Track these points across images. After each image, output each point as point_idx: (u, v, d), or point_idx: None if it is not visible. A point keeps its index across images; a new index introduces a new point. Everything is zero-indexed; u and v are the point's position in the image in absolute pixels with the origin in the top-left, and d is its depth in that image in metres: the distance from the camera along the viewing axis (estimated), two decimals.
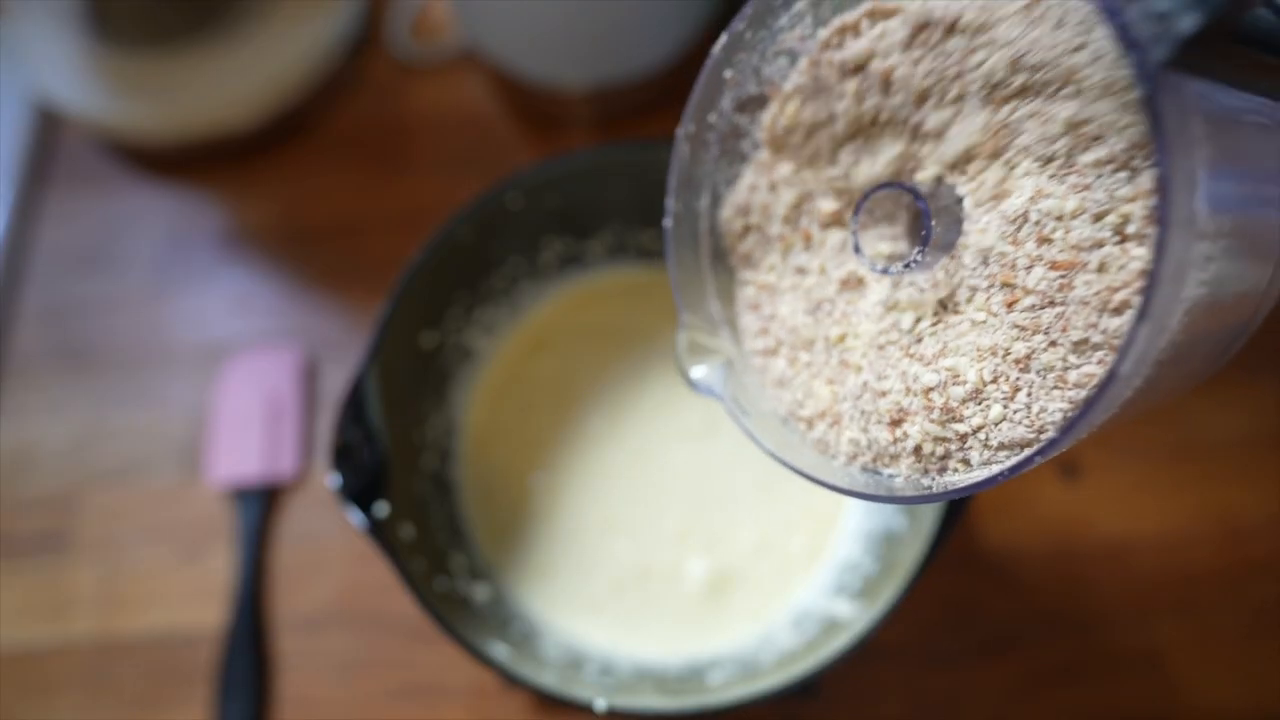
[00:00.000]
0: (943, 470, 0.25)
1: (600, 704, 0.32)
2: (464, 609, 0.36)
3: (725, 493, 0.41)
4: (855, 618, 0.35)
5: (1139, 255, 0.21)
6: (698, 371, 0.31)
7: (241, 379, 0.48)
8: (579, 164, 0.41)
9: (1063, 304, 0.22)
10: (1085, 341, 0.22)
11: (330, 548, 0.45)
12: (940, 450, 0.25)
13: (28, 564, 0.45)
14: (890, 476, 0.26)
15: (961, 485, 0.24)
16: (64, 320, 0.51)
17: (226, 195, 0.55)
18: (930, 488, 0.25)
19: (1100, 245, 0.22)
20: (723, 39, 0.28)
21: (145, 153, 0.56)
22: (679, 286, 0.31)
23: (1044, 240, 0.23)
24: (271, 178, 0.55)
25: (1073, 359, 0.22)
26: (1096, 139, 0.22)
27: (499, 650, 0.34)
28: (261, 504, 0.45)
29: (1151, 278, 0.19)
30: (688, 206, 0.31)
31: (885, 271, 0.26)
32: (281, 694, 0.42)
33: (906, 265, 0.25)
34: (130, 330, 0.51)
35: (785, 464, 0.28)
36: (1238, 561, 0.43)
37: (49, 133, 0.57)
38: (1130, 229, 0.21)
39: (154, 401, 0.49)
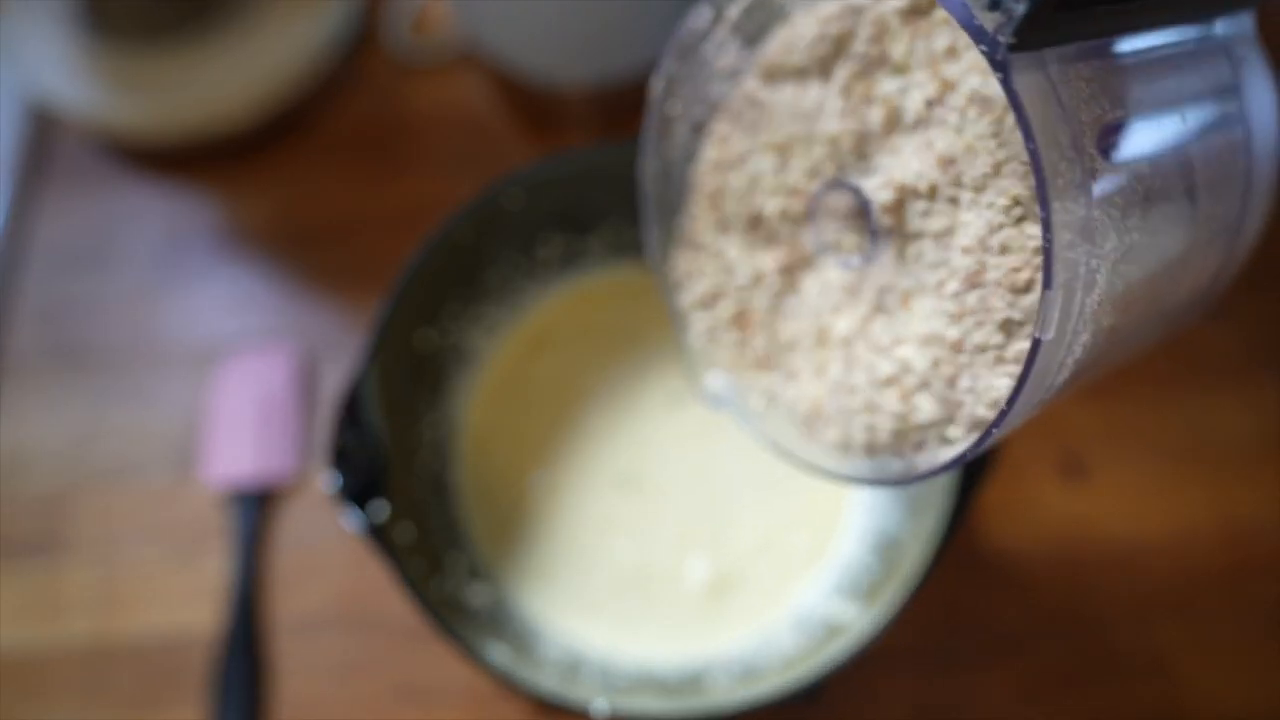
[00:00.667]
0: (919, 449, 0.26)
1: (600, 706, 0.32)
2: (462, 611, 0.36)
3: (726, 493, 0.41)
4: (857, 620, 0.34)
5: (1033, 234, 0.22)
6: (714, 382, 0.32)
7: (238, 379, 0.48)
8: (579, 162, 0.40)
9: (982, 286, 0.23)
10: (1010, 321, 0.23)
11: (327, 549, 0.44)
12: (916, 437, 0.26)
13: (22, 565, 0.45)
14: (881, 463, 0.27)
15: (935, 466, 0.25)
16: (60, 320, 0.51)
17: (223, 194, 0.55)
18: (917, 469, 0.26)
19: (1001, 228, 0.23)
20: (660, 82, 0.30)
21: (142, 151, 0.55)
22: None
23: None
24: (269, 177, 0.55)
25: (1000, 338, 0.23)
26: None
27: (498, 652, 0.34)
28: (258, 505, 0.45)
29: (1046, 250, 0.20)
30: (668, 231, 0.32)
31: (845, 265, 0.27)
32: (278, 696, 0.41)
33: (864, 259, 0.27)
34: (126, 330, 0.51)
35: (788, 455, 0.28)
36: (1244, 563, 0.43)
37: (45, 131, 0.56)
38: (1018, 211, 0.22)
39: (150, 401, 0.49)
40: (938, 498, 0.34)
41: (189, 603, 0.44)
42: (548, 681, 0.33)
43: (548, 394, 0.43)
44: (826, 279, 0.29)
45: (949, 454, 0.25)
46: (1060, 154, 0.20)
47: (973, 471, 0.34)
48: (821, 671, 0.32)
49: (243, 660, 0.41)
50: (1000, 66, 0.19)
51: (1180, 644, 0.41)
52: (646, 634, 0.39)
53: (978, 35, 0.20)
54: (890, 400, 0.26)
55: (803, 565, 0.40)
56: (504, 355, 0.44)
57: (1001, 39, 0.19)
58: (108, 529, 0.46)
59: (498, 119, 0.55)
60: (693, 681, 0.36)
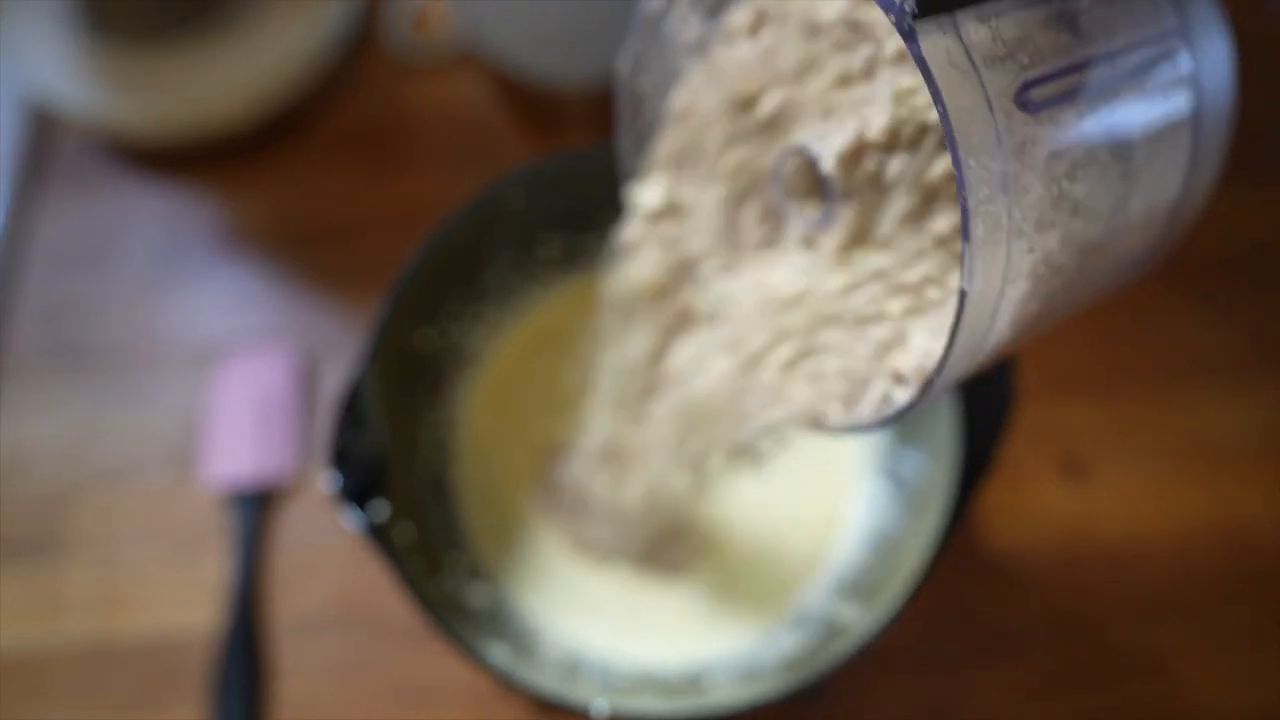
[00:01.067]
0: (875, 402, 0.26)
1: (600, 706, 0.31)
2: (462, 611, 0.36)
3: (726, 493, 0.41)
4: (857, 621, 0.34)
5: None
6: None
7: (238, 379, 0.48)
8: (579, 162, 0.40)
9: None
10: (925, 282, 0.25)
11: (327, 549, 0.44)
12: (869, 391, 0.26)
13: (22, 565, 0.45)
14: (835, 414, 0.27)
15: (885, 415, 0.25)
16: (60, 319, 0.51)
17: (224, 194, 0.55)
18: (869, 418, 0.26)
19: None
20: (627, 62, 0.30)
21: (142, 151, 0.55)
22: None
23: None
24: (269, 176, 0.55)
25: (937, 291, 0.24)
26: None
27: (498, 652, 0.34)
28: (258, 505, 0.45)
29: (963, 205, 0.20)
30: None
31: (810, 224, 0.28)
32: (278, 696, 0.41)
33: (825, 217, 0.27)
34: (127, 330, 0.51)
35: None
36: (1245, 564, 0.43)
37: (45, 131, 0.56)
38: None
39: (150, 401, 0.48)
40: (937, 497, 0.34)
41: (189, 603, 0.44)
42: (548, 681, 0.33)
43: (548, 394, 0.43)
44: (793, 239, 0.30)
45: (898, 404, 0.25)
46: (972, 111, 0.20)
47: (972, 471, 0.34)
48: (821, 671, 0.32)
49: (242, 660, 0.41)
50: (908, 34, 0.20)
51: (1180, 644, 0.41)
52: (646, 634, 0.39)
53: (885, 4, 0.20)
54: (847, 353, 0.27)
55: (803, 565, 0.40)
56: (504, 355, 0.44)
57: (907, 7, 0.20)
58: (108, 529, 0.45)
59: (498, 119, 0.55)
60: (693, 681, 0.36)
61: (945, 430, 0.35)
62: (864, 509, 0.40)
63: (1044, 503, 0.44)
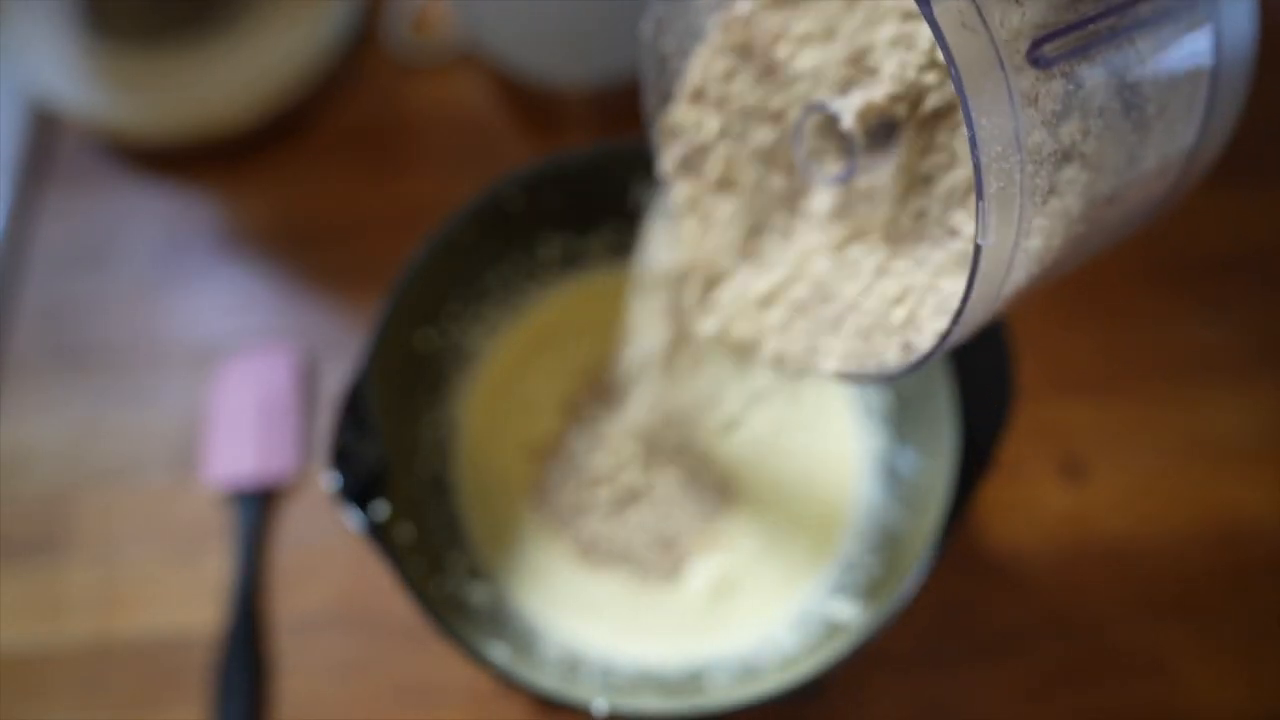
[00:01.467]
0: (895, 349, 0.27)
1: (600, 706, 0.32)
2: (463, 610, 0.36)
3: (726, 492, 0.41)
4: (857, 620, 0.34)
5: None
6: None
7: (239, 379, 0.48)
8: (579, 162, 0.40)
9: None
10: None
11: (328, 549, 0.44)
12: (891, 338, 0.27)
13: (22, 565, 0.45)
14: (856, 359, 0.28)
15: (907, 364, 0.26)
16: (61, 320, 0.51)
17: (224, 194, 0.55)
18: (892, 365, 0.27)
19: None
20: (650, 25, 0.31)
21: (143, 151, 0.55)
22: None
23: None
24: (269, 177, 0.55)
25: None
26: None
27: (498, 651, 0.34)
28: (258, 505, 0.45)
29: (976, 164, 0.20)
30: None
31: (834, 181, 0.28)
32: (279, 695, 0.41)
33: (844, 174, 0.28)
34: (127, 330, 0.51)
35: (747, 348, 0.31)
36: (1244, 563, 0.43)
37: (45, 131, 0.56)
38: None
39: (151, 401, 0.49)
40: (937, 496, 0.34)
41: (189, 603, 0.44)
42: (548, 681, 0.33)
43: (548, 394, 0.43)
44: (818, 198, 0.30)
45: (919, 352, 0.25)
46: (984, 70, 0.20)
47: (972, 470, 0.34)
48: (821, 670, 0.32)
49: (243, 659, 0.41)
50: None
51: (1180, 644, 0.41)
52: (646, 634, 0.39)
53: None
54: (867, 301, 0.27)
55: (803, 564, 0.40)
56: (504, 355, 0.44)
57: None
58: (108, 529, 0.46)
59: (498, 119, 0.55)
60: (693, 680, 0.36)
61: (945, 429, 0.35)
62: (864, 508, 0.40)
63: (1043, 502, 0.44)
